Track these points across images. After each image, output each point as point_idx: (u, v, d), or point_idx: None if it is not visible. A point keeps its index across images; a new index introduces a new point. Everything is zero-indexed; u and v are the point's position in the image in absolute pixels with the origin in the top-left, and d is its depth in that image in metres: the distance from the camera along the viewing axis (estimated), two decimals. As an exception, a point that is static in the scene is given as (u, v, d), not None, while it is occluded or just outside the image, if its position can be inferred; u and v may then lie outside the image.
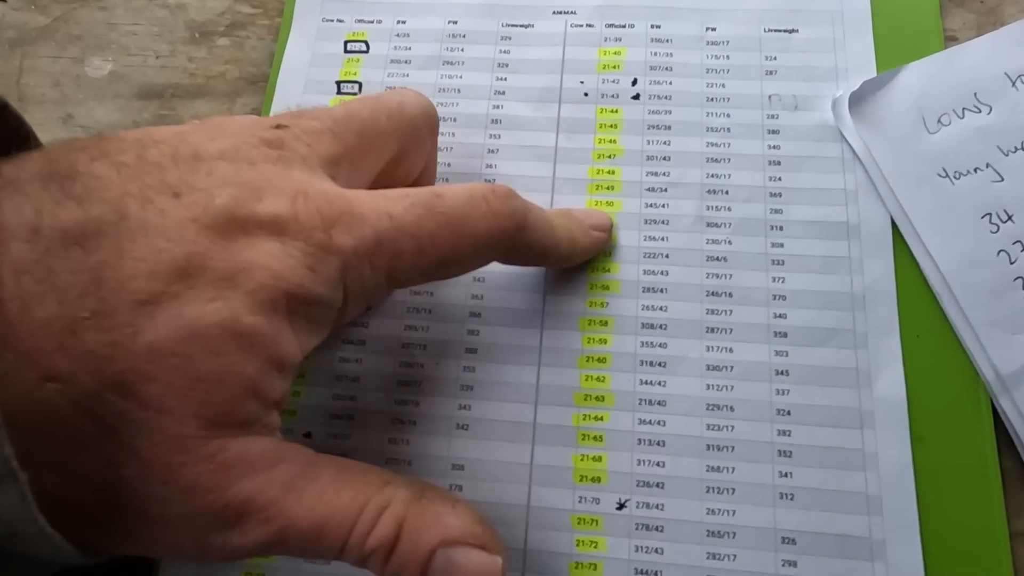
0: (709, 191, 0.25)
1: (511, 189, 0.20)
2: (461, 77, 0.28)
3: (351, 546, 0.16)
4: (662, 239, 0.25)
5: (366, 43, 0.29)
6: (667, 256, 0.25)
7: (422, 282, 0.20)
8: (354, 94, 0.28)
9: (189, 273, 0.15)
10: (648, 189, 0.26)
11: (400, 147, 0.21)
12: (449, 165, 0.27)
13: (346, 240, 0.17)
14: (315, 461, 0.17)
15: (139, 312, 0.15)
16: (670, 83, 0.27)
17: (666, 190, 0.26)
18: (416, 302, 0.25)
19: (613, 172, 0.26)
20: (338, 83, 0.28)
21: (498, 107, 0.27)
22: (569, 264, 0.24)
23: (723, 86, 0.27)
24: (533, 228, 0.20)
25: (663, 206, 0.25)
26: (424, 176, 0.23)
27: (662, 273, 0.25)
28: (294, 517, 0.16)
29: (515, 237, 0.20)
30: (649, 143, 0.26)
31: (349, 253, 0.17)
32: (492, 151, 0.27)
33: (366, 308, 0.20)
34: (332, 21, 0.29)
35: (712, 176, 0.26)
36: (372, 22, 0.29)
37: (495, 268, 0.25)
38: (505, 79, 0.28)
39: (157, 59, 0.30)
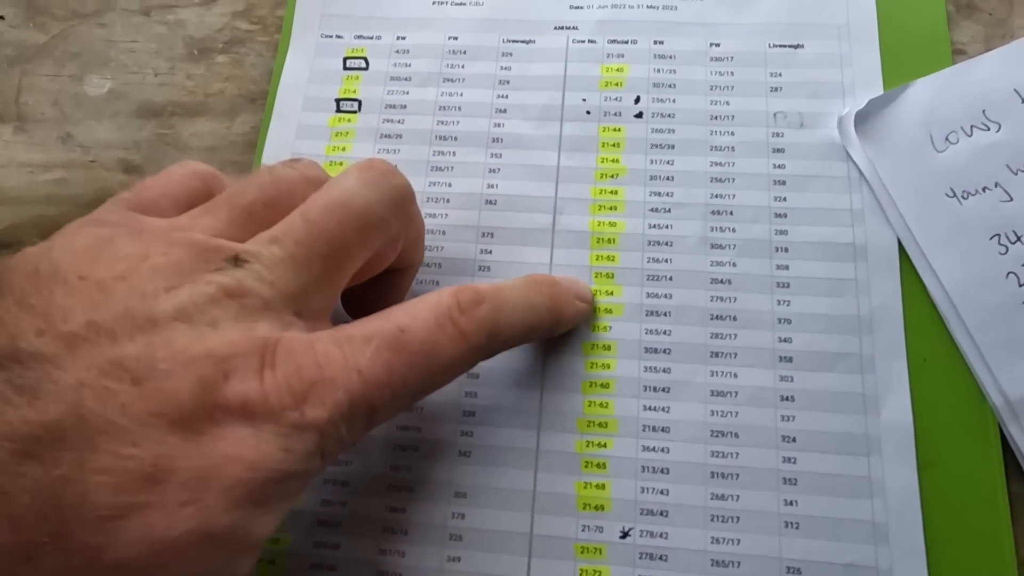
0: (713, 212, 0.25)
1: (477, 289, 0.19)
2: (462, 95, 0.28)
3: None
4: (666, 261, 0.25)
5: (365, 59, 0.29)
6: (671, 279, 0.24)
7: (399, 413, 0.20)
8: (353, 112, 0.28)
9: (157, 479, 0.15)
10: (651, 209, 0.25)
11: (372, 252, 0.20)
12: (450, 185, 0.26)
13: (319, 414, 0.16)
14: None
15: (104, 530, 0.14)
16: (673, 101, 0.27)
17: (669, 211, 0.25)
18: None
19: (616, 192, 0.26)
20: (337, 101, 0.28)
21: (499, 125, 0.27)
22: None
23: (727, 103, 0.26)
24: (508, 324, 0.20)
25: (667, 227, 0.25)
26: (408, 251, 0.22)
27: (666, 296, 0.24)
28: None
29: (489, 346, 0.19)
30: (652, 162, 0.26)
31: (324, 424, 0.16)
32: (493, 170, 0.26)
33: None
34: (331, 37, 0.29)
35: (716, 196, 0.25)
36: (371, 38, 0.29)
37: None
38: (506, 96, 0.27)
39: (156, 76, 0.30)
